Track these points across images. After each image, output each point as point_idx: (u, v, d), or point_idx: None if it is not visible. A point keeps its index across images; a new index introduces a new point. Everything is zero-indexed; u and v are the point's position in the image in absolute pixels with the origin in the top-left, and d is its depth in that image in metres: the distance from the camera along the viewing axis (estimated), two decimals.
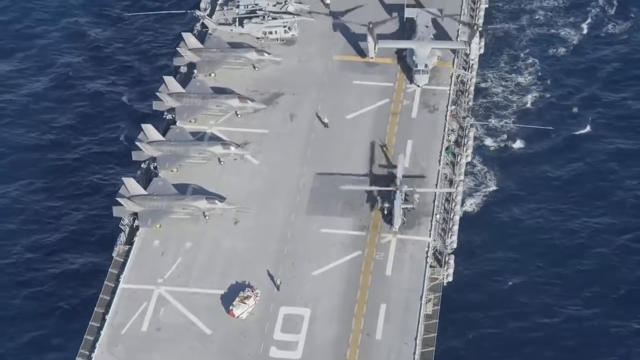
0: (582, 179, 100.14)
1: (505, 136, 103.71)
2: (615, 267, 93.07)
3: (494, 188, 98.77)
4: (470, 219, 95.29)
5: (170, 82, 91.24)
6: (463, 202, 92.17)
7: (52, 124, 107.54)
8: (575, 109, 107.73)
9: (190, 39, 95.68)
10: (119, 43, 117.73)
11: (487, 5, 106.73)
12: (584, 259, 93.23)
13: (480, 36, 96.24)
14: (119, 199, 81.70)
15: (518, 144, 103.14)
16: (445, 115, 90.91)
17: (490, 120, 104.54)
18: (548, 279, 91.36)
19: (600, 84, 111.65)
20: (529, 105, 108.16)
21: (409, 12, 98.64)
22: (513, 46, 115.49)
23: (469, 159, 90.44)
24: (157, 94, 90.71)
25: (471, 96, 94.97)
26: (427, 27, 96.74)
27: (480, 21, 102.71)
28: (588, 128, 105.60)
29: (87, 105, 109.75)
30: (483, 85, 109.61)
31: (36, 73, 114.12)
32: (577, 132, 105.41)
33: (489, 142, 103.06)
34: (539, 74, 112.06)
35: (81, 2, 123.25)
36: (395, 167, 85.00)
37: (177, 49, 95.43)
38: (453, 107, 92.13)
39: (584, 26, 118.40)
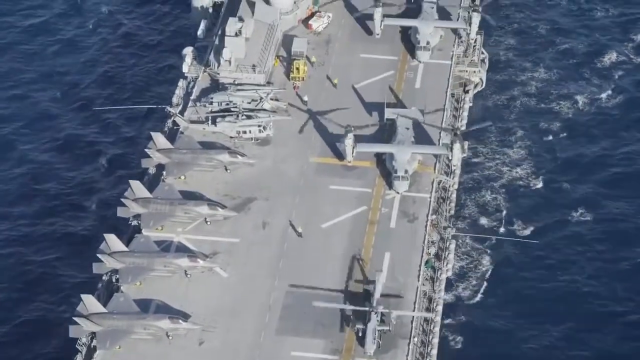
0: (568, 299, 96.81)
1: (492, 241, 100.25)
2: None
3: (478, 299, 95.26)
4: (452, 330, 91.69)
5: (137, 186, 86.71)
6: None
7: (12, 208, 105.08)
8: (565, 199, 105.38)
9: (159, 138, 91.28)
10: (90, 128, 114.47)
11: (471, 104, 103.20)
12: None
13: (463, 140, 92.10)
14: (76, 318, 76.84)
15: (505, 251, 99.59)
16: (426, 226, 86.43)
17: (474, 227, 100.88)
18: None
19: (593, 169, 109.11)
20: (519, 192, 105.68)
21: (389, 113, 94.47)
22: (503, 118, 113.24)
23: (450, 273, 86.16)
24: (122, 199, 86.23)
25: (453, 204, 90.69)
26: (407, 129, 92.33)
27: (464, 122, 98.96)
28: (576, 227, 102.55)
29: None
30: (474, 160, 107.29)
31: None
32: (562, 234, 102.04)
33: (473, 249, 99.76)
34: (531, 149, 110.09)
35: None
36: (371, 283, 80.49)
37: (146, 149, 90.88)
38: (434, 216, 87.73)
39: (578, 98, 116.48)
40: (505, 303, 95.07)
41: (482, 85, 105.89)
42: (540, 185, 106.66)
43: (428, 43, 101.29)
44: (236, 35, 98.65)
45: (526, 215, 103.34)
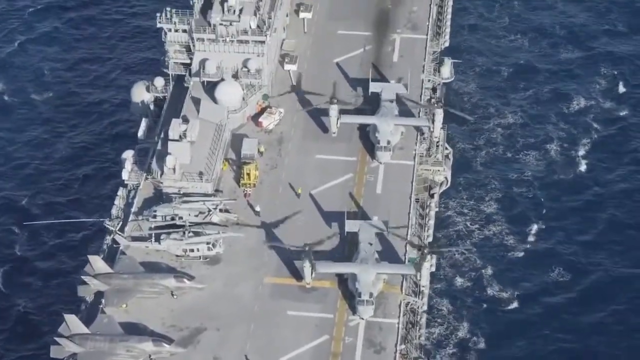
0: None
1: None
2: None
3: None
4: None
5: (73, 321, 77.69)
6: None
7: None
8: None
9: (97, 262, 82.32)
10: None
11: (437, 209, 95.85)
12: None
13: (432, 255, 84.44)
14: None
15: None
16: (394, 357, 78.34)
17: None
18: None
19: (564, 217, 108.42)
20: (493, 252, 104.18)
21: (350, 225, 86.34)
22: (471, 169, 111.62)
23: None
24: (56, 338, 77.15)
25: (423, 330, 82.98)
26: (370, 244, 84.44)
27: (430, 232, 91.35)
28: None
29: None
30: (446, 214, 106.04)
31: None
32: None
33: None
34: (501, 203, 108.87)
35: None
36: None
37: (82, 276, 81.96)
38: (402, 346, 79.76)
39: (546, 146, 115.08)
40: None
41: (447, 184, 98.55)
42: (516, 243, 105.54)
43: (389, 142, 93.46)
44: (180, 138, 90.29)
45: (503, 280, 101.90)
